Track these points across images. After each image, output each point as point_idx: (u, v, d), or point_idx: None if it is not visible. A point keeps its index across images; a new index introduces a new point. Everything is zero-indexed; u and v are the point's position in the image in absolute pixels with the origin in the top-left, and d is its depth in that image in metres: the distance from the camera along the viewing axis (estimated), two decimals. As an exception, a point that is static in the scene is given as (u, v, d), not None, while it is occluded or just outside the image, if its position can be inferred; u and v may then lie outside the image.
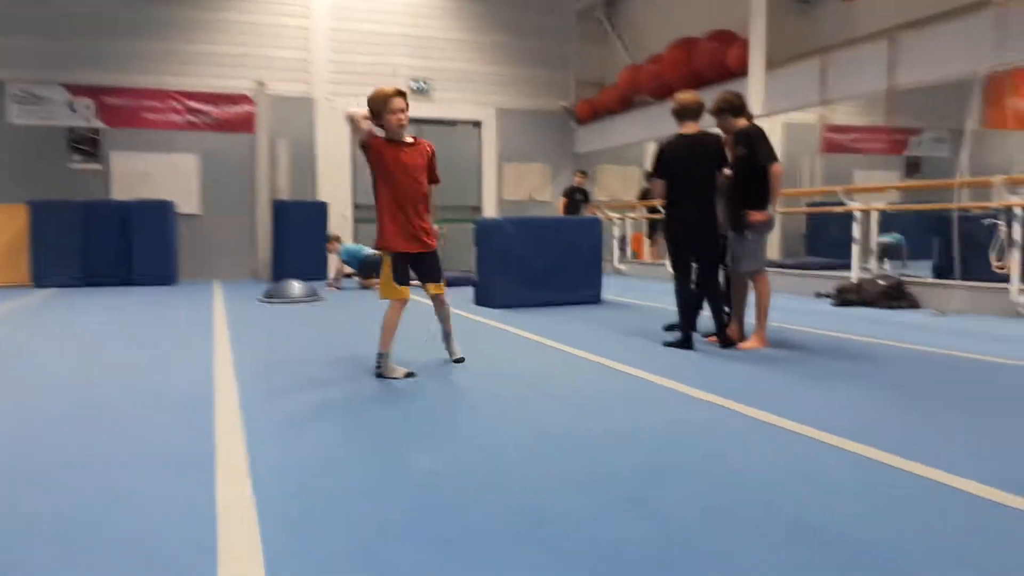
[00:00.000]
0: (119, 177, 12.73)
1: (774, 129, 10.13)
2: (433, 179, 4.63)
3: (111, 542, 2.11)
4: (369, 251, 10.65)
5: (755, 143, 5.29)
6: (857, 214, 8.78)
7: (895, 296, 8.00)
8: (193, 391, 4.04)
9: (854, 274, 8.67)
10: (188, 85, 13.03)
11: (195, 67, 13.07)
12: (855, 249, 8.73)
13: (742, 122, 5.44)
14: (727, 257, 5.55)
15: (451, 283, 10.93)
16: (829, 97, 9.74)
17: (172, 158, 12.97)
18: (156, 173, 12.86)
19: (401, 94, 4.37)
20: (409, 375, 4.41)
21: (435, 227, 4.67)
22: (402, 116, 4.35)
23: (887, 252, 10.83)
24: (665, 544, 2.10)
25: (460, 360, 4.87)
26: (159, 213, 11.59)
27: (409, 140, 4.49)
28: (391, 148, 4.43)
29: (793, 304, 8.16)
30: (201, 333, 6.31)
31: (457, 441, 3.15)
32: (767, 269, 5.57)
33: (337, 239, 11.64)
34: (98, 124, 12.60)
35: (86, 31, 12.45)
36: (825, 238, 12.61)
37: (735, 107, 5.46)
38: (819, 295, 9.05)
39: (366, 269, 10.62)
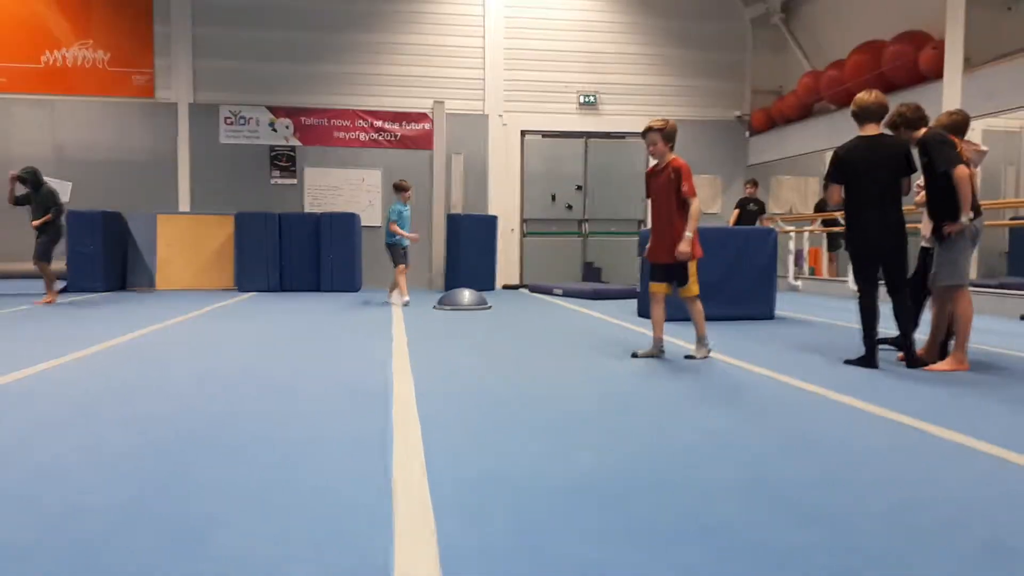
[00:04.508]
0: (311, 191, 13.84)
1: (971, 136, 9.34)
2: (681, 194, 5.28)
3: (297, 510, 2.32)
4: (406, 240, 9.62)
5: (931, 150, 4.92)
6: (1072, 227, 7.90)
7: (1119, 319, 7.11)
8: (374, 383, 4.33)
9: (1068, 294, 7.80)
10: (373, 104, 13.96)
11: (380, 88, 13.99)
12: (1069, 266, 7.85)
13: (921, 133, 5.09)
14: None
15: (616, 296, 11.05)
16: (1040, 99, 8.85)
17: (358, 173, 13.92)
18: (344, 187, 13.87)
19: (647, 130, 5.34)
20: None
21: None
22: (650, 149, 5.37)
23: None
24: (843, 554, 2.01)
25: (690, 357, 5.43)
26: (346, 224, 12.45)
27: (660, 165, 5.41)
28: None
29: (995, 326, 7.47)
30: (382, 334, 6.72)
31: (621, 440, 3.17)
32: (968, 287, 5.11)
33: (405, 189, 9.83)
34: (295, 142, 13.76)
35: (286, 56, 13.67)
36: (1033, 256, 11.41)
37: (909, 121, 5.13)
38: (1024, 317, 8.22)
39: (395, 254, 9.70)
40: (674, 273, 5.41)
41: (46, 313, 8.34)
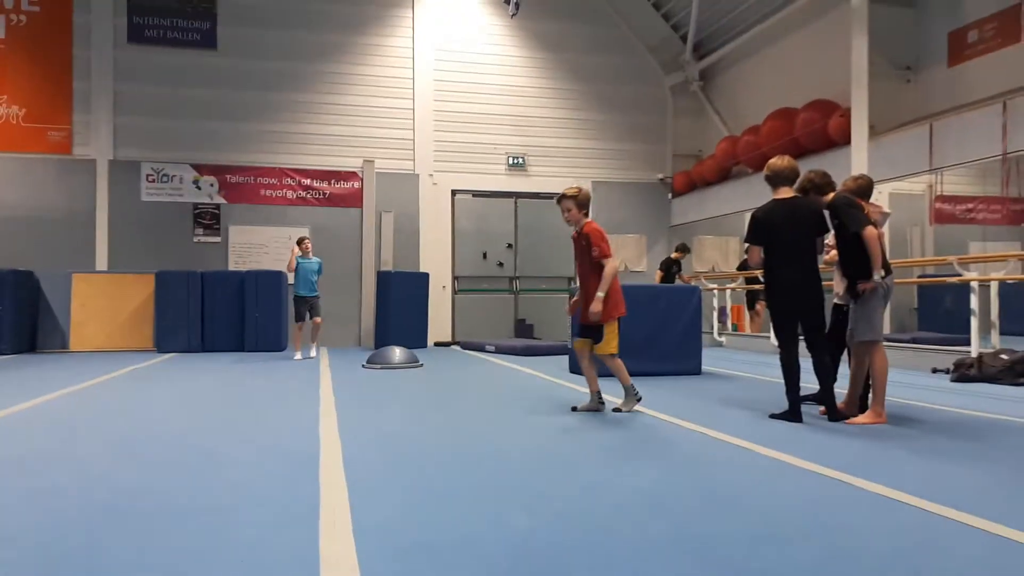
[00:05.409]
0: (236, 248, 13.55)
1: (878, 199, 9.85)
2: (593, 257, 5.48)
3: (225, 582, 2.20)
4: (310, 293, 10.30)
5: (841, 213, 5.18)
6: (974, 285, 8.36)
7: (1021, 372, 7.50)
8: (301, 447, 4.19)
9: (973, 348, 8.20)
10: (302, 163, 13.87)
11: (309, 147, 13.93)
12: (974, 322, 8.28)
13: (829, 197, 5.36)
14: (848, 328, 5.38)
15: (547, 352, 11.10)
16: (938, 164, 9.45)
17: (285, 231, 13.72)
18: (270, 245, 13.63)
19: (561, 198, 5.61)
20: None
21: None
22: (565, 215, 5.61)
23: None
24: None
25: (617, 410, 5.53)
26: (272, 283, 12.20)
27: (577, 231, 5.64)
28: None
29: (908, 379, 7.77)
30: (309, 395, 6.54)
31: (552, 500, 3.13)
32: (883, 342, 5.31)
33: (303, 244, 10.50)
34: (220, 200, 13.52)
35: (212, 114, 13.51)
36: (939, 312, 12.00)
37: (818, 186, 5.41)
38: (935, 370, 8.59)
39: (298, 304, 10.37)
40: (590, 332, 5.54)
41: (-54, 378, 7.85)
